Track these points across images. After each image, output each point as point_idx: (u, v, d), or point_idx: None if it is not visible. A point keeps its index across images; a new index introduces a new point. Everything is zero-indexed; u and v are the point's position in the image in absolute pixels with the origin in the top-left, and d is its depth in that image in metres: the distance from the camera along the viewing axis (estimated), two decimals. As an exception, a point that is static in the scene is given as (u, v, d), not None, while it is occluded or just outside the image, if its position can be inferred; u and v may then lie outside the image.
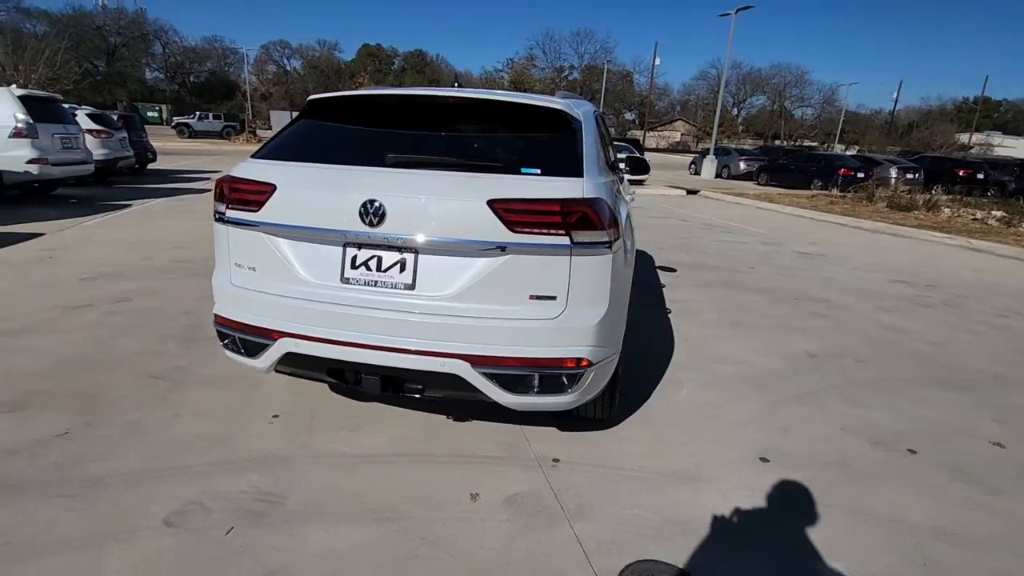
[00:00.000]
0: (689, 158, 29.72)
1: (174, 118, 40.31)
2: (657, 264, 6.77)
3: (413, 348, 2.08)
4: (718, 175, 24.42)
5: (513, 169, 2.13)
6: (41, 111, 8.70)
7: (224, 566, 1.83)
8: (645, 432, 2.83)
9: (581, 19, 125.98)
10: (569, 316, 2.11)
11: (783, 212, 13.36)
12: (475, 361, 2.06)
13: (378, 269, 2.12)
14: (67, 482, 2.20)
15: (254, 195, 2.19)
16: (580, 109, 2.59)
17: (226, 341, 2.40)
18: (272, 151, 2.41)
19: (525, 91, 18.62)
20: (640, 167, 4.61)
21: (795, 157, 22.46)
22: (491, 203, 1.99)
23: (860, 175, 18.30)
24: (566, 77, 67.05)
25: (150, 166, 14.87)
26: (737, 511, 2.25)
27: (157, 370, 3.19)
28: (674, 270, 6.53)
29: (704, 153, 26.14)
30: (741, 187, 19.48)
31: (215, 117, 35.85)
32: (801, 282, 6.28)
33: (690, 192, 16.94)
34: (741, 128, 77.63)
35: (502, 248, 2.02)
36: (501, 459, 2.52)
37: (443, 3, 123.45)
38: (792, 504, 2.32)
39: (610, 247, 2.13)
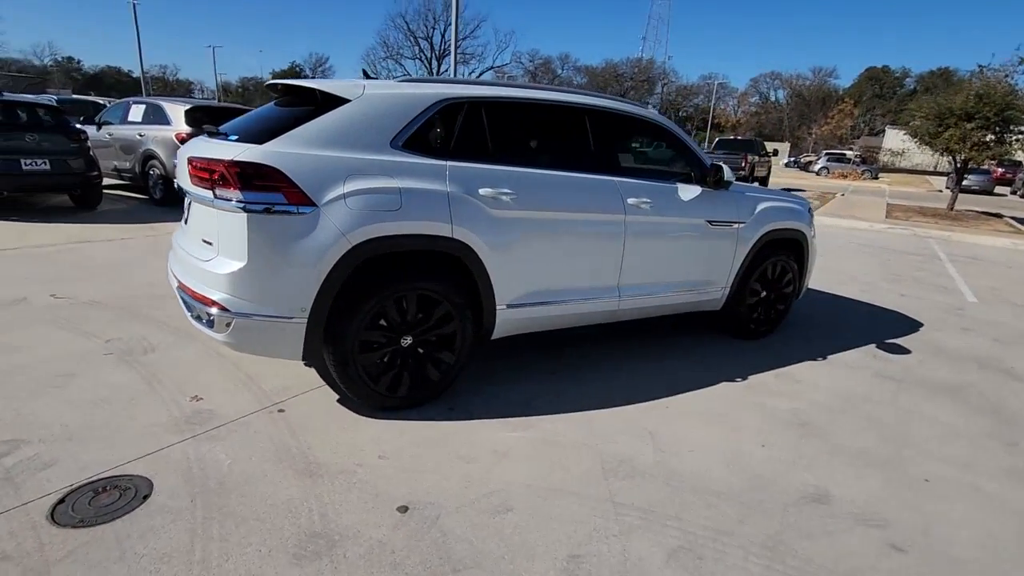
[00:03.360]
0: None
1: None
2: (895, 340, 4.54)
3: (176, 272, 2.81)
4: None
5: (223, 135, 2.55)
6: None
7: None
8: (389, 437, 2.61)
9: None
10: (216, 262, 2.42)
11: None
12: (179, 285, 2.64)
13: (187, 210, 2.93)
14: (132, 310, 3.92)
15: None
16: (376, 91, 2.64)
17: None
18: None
19: (1006, 104, 13.62)
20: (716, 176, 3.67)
21: None
22: (188, 160, 2.51)
23: None
24: None
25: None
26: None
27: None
28: (905, 352, 4.28)
29: None
30: None
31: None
32: None
33: None
34: None
35: (187, 195, 2.52)
36: (263, 392, 2.92)
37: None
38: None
39: (247, 208, 2.29)
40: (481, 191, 2.76)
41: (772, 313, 4.34)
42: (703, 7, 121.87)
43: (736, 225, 3.82)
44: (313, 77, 76.96)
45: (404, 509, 2.11)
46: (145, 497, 2.06)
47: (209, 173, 2.36)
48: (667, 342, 4.10)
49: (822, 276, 6.68)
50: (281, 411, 2.76)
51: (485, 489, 2.27)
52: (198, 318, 2.53)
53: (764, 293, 4.22)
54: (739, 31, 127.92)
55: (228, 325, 2.42)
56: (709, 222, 3.66)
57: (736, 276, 3.95)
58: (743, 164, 18.28)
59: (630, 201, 3.27)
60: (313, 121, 2.50)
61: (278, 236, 2.36)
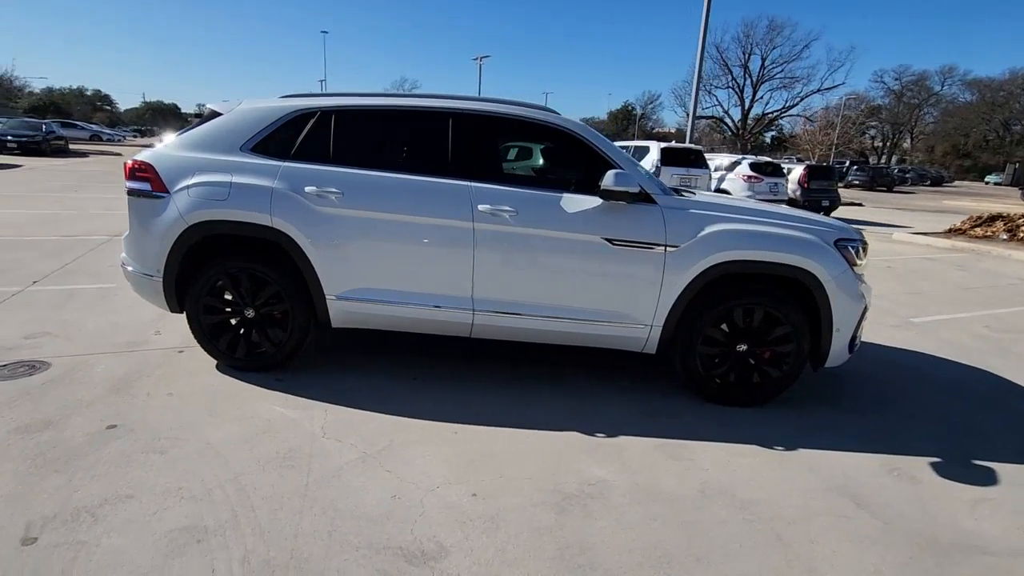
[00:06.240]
0: None
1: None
2: (986, 463, 2.77)
3: None
4: None
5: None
6: (672, 158, 11.89)
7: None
8: (201, 386, 3.18)
9: None
10: (126, 232, 3.39)
11: None
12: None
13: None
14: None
15: None
16: (246, 105, 3.26)
17: None
18: None
19: None
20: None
21: None
22: (133, 162, 3.57)
23: None
24: None
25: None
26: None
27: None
28: (985, 481, 2.61)
29: None
30: None
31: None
32: None
33: None
34: None
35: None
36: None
37: None
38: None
39: (130, 194, 3.19)
40: (306, 189, 3.07)
41: (754, 376, 3.19)
42: None
43: (662, 248, 3.03)
44: (643, 114, 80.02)
45: (112, 427, 2.65)
46: (30, 375, 3.13)
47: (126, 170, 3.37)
48: (603, 386, 3.48)
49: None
50: (181, 352, 3.60)
51: (180, 435, 2.61)
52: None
53: (744, 347, 3.16)
54: None
55: (127, 275, 3.38)
56: (609, 240, 3.03)
57: (669, 314, 3.10)
58: None
59: (481, 208, 3.03)
60: (192, 130, 3.28)
61: (143, 213, 3.20)
